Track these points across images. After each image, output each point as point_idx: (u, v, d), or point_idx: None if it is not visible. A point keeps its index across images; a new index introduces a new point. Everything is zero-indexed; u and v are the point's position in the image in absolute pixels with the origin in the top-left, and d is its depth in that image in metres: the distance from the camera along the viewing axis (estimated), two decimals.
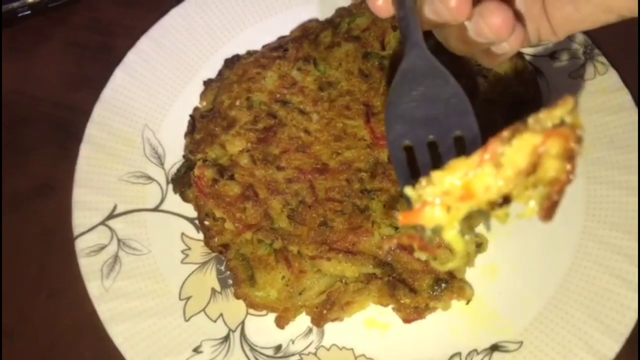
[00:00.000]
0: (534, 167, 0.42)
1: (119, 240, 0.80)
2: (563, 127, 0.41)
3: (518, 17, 0.56)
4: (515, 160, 0.42)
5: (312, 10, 0.93)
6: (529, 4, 0.58)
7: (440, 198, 0.43)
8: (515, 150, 0.42)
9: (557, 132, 0.41)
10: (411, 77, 0.57)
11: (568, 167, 0.42)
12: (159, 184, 0.85)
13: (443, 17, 0.55)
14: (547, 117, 0.41)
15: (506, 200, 0.44)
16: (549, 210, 0.43)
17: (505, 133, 0.42)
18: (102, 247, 0.79)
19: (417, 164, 0.57)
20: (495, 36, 0.54)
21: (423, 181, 0.43)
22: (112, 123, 0.87)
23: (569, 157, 0.41)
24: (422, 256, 0.53)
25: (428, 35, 0.59)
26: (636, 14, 0.54)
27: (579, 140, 0.41)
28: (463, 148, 0.56)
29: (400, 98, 0.57)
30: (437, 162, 0.56)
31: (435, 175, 0.43)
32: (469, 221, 0.74)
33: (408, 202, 0.46)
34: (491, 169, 0.42)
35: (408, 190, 0.45)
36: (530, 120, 0.42)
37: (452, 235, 0.45)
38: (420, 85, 0.57)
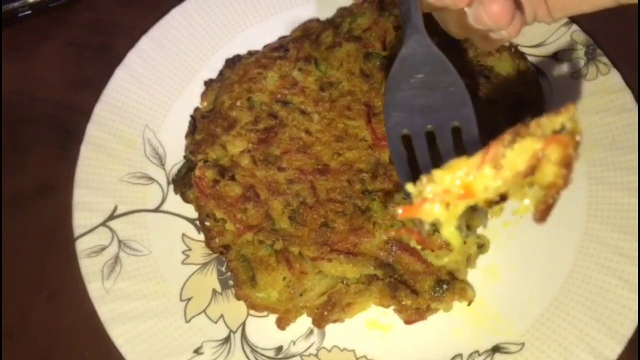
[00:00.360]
0: (532, 170, 0.43)
1: (119, 241, 0.80)
2: (563, 134, 0.41)
3: (517, 4, 0.56)
4: (515, 163, 0.43)
5: (313, 10, 0.93)
6: None
7: (440, 196, 0.44)
8: (516, 153, 0.43)
9: (558, 139, 0.41)
10: (410, 64, 0.57)
11: (564, 172, 0.42)
12: (160, 185, 0.84)
13: (443, 2, 0.55)
14: (549, 122, 0.42)
15: (502, 197, 0.45)
16: (543, 213, 0.45)
17: (507, 136, 0.42)
18: (103, 248, 0.79)
19: (415, 154, 0.57)
20: (494, 24, 0.54)
21: (424, 179, 0.44)
22: (113, 123, 0.86)
23: (566, 163, 0.42)
24: (419, 247, 0.54)
25: (432, 31, 0.59)
26: (634, 0, 0.54)
27: (577, 146, 0.42)
28: (460, 140, 0.56)
29: (400, 85, 0.57)
30: (435, 153, 0.56)
31: (437, 173, 0.44)
32: (469, 222, 0.74)
33: (407, 196, 0.46)
34: (491, 170, 0.43)
35: (409, 187, 0.45)
36: (533, 124, 0.42)
37: (450, 230, 0.46)
38: (420, 72, 0.57)
